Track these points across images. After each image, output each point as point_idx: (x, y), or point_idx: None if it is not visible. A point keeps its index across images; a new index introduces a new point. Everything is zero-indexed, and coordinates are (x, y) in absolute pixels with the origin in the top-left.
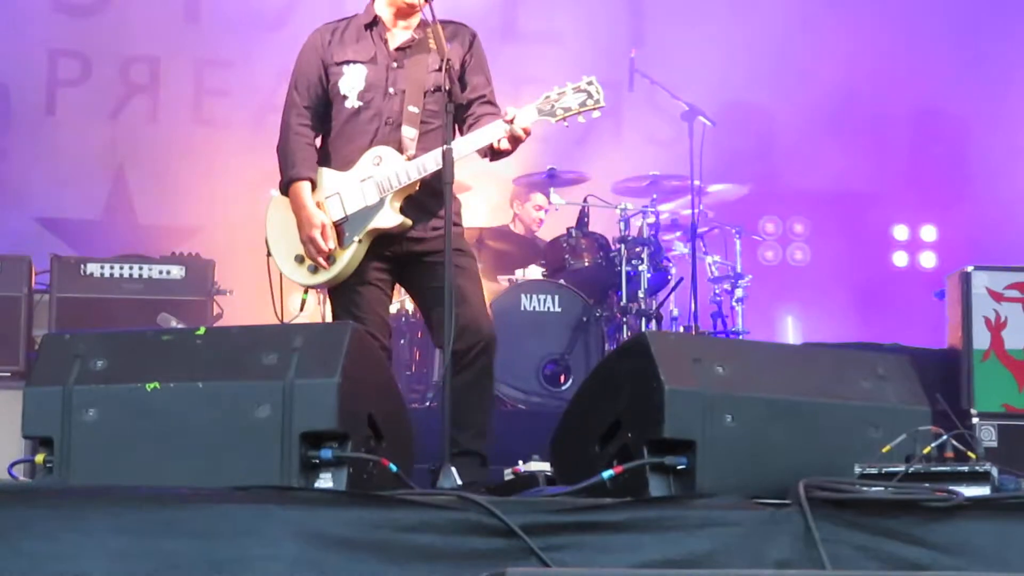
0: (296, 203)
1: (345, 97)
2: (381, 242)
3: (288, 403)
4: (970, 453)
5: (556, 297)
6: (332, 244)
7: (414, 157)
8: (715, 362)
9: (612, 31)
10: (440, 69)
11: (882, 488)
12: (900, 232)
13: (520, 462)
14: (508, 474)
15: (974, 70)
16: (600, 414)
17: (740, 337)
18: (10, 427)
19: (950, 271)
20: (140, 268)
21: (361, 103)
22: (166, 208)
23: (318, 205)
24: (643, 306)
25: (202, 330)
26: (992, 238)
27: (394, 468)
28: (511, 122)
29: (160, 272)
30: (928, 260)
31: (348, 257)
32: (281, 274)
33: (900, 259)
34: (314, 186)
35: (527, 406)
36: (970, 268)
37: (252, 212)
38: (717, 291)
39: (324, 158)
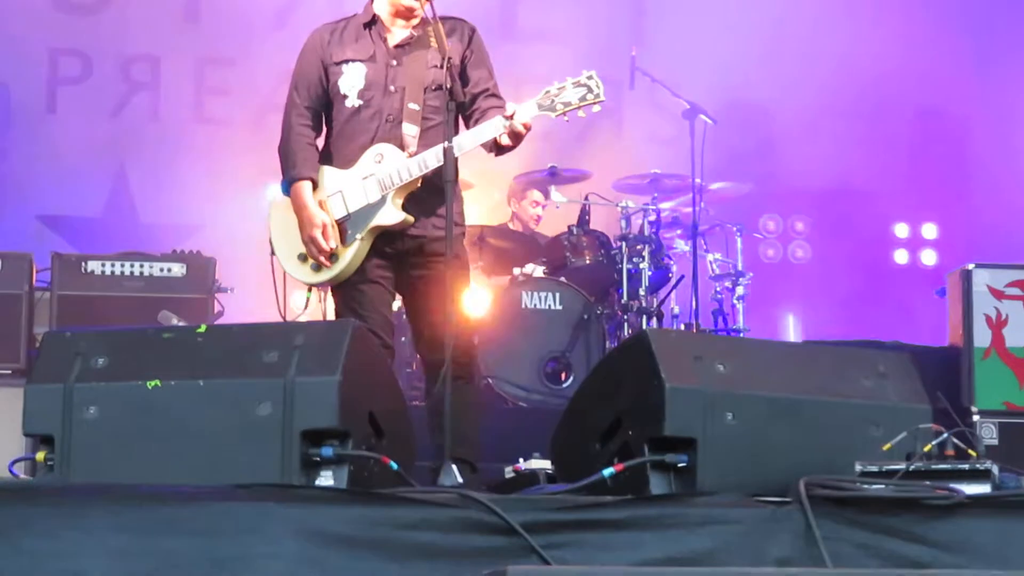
0: (297, 203)
1: (345, 96)
2: (383, 239)
3: (289, 401)
4: (971, 451)
5: (557, 295)
6: (333, 243)
7: (415, 154)
8: (716, 360)
9: (613, 29)
10: (440, 66)
11: (883, 486)
12: (901, 230)
13: (521, 460)
14: (509, 472)
15: (974, 69)
16: (601, 412)
17: (741, 335)
18: (11, 425)
19: (951, 269)
20: (141, 266)
21: (361, 101)
22: (167, 206)
23: (320, 204)
24: (644, 304)
25: (203, 328)
26: (993, 236)
27: (395, 466)
28: (510, 118)
29: (161, 270)
30: (929, 258)
31: (351, 255)
32: (284, 271)
33: (901, 257)
34: (315, 185)
35: (528, 404)
36: (971, 266)
37: (253, 210)
38: (718, 289)
39: (326, 157)
